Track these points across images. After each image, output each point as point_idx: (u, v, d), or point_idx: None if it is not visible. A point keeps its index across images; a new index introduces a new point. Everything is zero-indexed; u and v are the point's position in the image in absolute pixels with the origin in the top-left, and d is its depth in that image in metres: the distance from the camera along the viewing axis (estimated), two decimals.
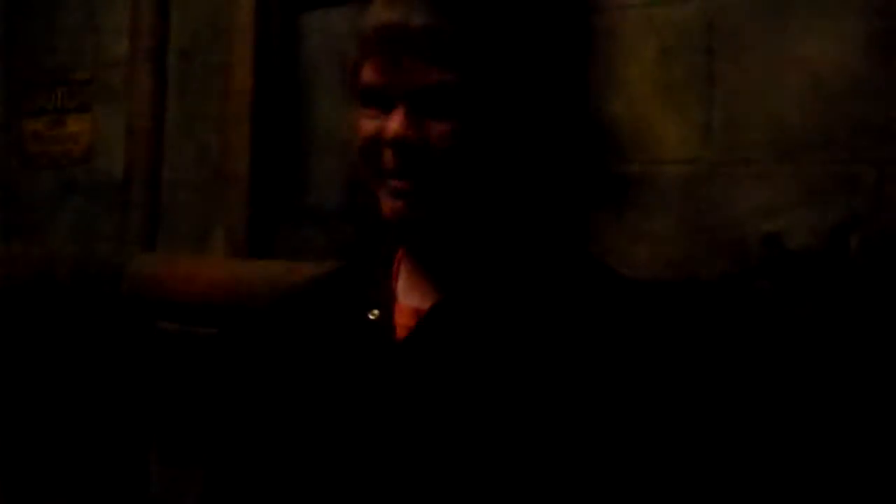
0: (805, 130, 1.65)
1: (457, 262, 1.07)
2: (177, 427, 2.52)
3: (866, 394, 1.51)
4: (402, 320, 1.06)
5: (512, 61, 1.04)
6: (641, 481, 0.99)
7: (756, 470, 1.59)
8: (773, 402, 1.59)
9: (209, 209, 2.62)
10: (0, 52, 3.20)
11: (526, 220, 1.14)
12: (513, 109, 1.05)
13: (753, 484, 1.58)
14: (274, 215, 2.49)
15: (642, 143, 1.82)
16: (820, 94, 1.63)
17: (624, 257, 1.80)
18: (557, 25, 1.81)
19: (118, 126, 2.85)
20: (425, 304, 1.06)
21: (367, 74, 1.02)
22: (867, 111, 1.59)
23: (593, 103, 1.85)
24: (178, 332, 2.51)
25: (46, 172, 3.07)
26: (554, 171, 1.80)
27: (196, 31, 2.68)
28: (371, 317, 1.07)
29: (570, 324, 1.02)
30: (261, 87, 2.48)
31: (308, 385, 1.08)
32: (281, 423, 1.09)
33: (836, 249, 1.60)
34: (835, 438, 1.54)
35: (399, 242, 1.10)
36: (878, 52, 1.57)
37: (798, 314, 1.59)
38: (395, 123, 0.99)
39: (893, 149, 1.56)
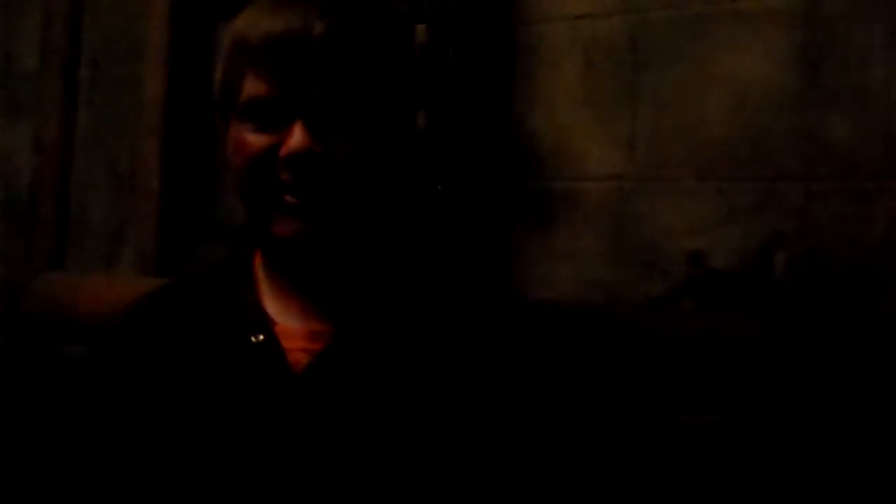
0: (730, 147, 1.62)
1: (343, 283, 1.03)
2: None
3: (790, 410, 1.49)
4: (289, 344, 1.00)
5: (415, 72, 1.02)
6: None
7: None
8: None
9: (119, 226, 2.53)
10: None
11: (421, 238, 1.13)
12: (414, 122, 1.02)
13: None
14: (184, 231, 2.40)
15: (566, 159, 1.77)
16: (745, 110, 1.61)
17: (548, 276, 1.75)
18: (466, 38, 1.77)
19: (24, 140, 2.74)
20: (309, 328, 1.01)
21: (254, 87, 0.96)
22: (793, 127, 1.56)
23: (516, 118, 1.80)
24: (83, 355, 2.40)
25: None
26: (463, 188, 1.75)
27: (108, 42, 2.59)
28: (254, 340, 1.01)
29: (466, 354, 1.00)
30: (173, 99, 2.39)
31: (192, 412, 1.01)
32: (161, 453, 1.00)
33: (761, 269, 1.57)
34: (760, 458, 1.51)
35: (286, 262, 1.03)
36: (803, 66, 1.55)
37: (721, 334, 1.56)
38: (296, 139, 0.94)
39: (820, 166, 1.54)
